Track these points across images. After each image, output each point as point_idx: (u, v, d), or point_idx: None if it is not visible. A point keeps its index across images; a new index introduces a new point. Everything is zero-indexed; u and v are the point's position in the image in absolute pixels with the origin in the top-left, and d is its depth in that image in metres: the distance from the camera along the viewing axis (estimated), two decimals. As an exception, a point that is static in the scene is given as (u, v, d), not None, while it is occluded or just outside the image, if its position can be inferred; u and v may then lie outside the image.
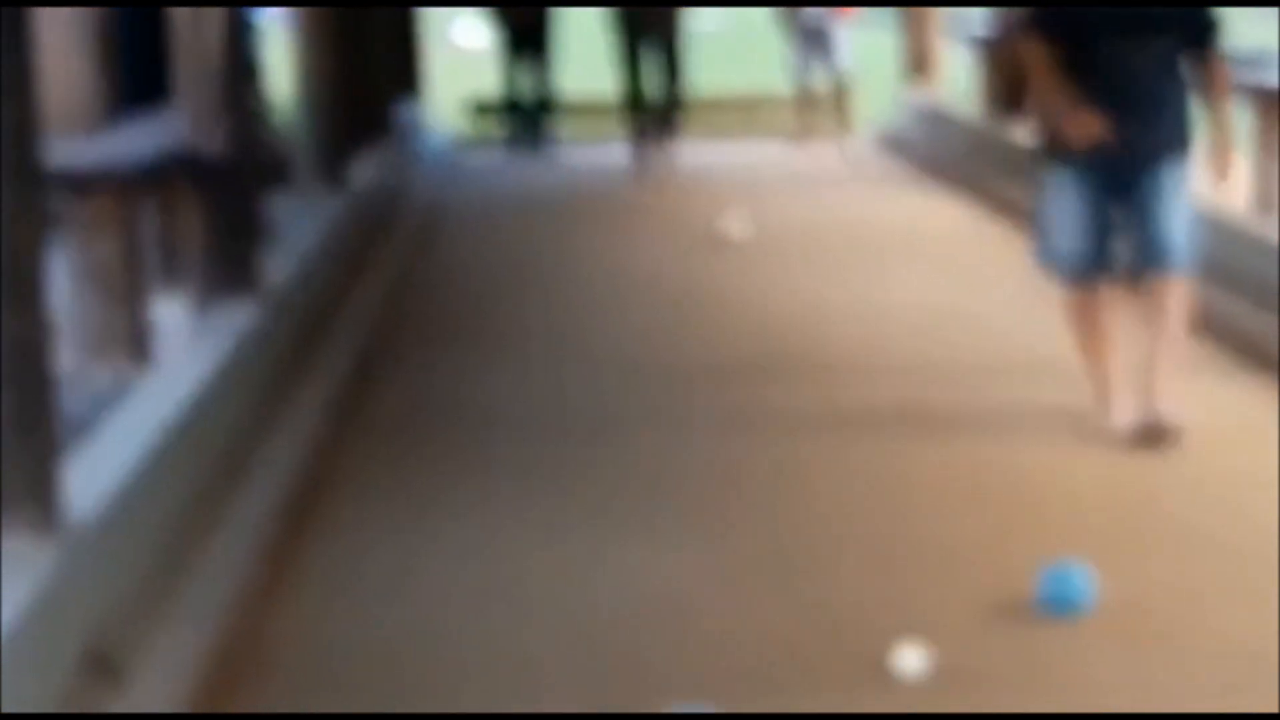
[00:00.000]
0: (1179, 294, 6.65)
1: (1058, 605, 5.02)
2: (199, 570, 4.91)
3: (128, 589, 4.32)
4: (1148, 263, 6.65)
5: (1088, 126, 6.53)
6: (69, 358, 6.93)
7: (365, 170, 10.81)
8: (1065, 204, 6.73)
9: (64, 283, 6.82)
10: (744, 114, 18.23)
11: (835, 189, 14.21)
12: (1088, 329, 6.83)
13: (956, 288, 9.96)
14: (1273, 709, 4.41)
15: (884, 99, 17.21)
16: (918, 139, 15.79)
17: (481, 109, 18.08)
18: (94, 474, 4.41)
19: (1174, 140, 6.68)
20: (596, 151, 16.65)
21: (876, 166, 15.64)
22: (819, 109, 17.05)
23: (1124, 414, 6.64)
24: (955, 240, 11.67)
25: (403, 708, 4.52)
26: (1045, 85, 6.67)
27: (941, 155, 14.76)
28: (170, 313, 7.27)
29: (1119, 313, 6.81)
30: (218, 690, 4.48)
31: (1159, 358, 6.63)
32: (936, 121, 15.53)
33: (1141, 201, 6.62)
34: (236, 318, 6.42)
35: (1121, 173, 6.63)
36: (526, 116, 17.17)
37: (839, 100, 16.90)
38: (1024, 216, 11.74)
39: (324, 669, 4.79)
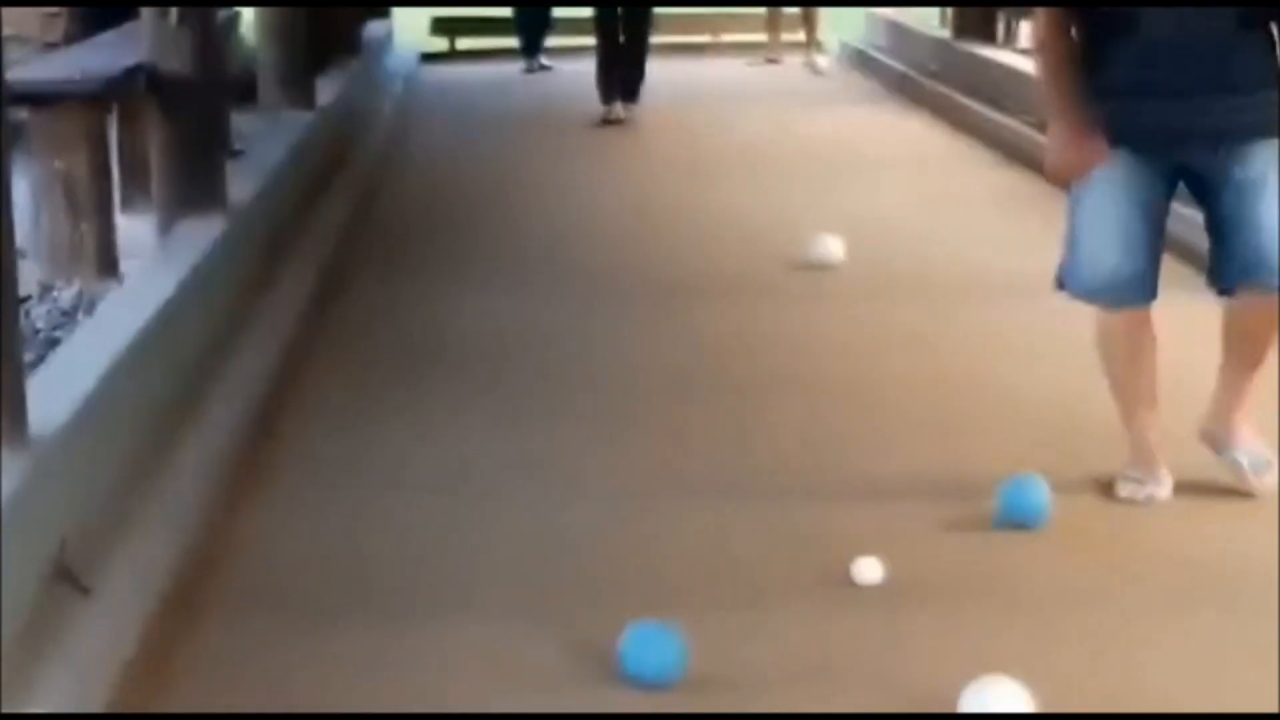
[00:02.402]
0: (1275, 315, 5.20)
1: (1014, 518, 5.09)
2: (166, 481, 4.96)
3: (95, 500, 4.36)
4: (1238, 276, 5.17)
5: (1082, 161, 5.15)
6: (35, 273, 6.98)
7: (332, 88, 10.79)
8: (1104, 205, 5.16)
9: (29, 199, 6.85)
10: (712, 30, 18.18)
11: (802, 106, 14.23)
12: (1130, 365, 5.36)
13: (922, 204, 10.01)
14: (1220, 617, 4.50)
15: (853, 17, 17.19)
16: (885, 57, 15.80)
17: (448, 27, 18.01)
18: (60, 388, 4.44)
19: (1263, 119, 5.07)
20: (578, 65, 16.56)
21: (844, 84, 15.67)
22: (787, 26, 17.05)
23: (1166, 481, 5.34)
24: (919, 156, 11.72)
25: (370, 612, 4.58)
26: (1053, 90, 5.20)
27: (908, 73, 14.78)
28: (136, 228, 7.31)
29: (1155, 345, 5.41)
30: (185, 595, 4.54)
31: (1242, 395, 5.36)
32: (904, 40, 15.53)
33: (1225, 198, 5.11)
34: (203, 234, 6.43)
35: (1191, 165, 5.15)
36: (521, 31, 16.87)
37: (807, 17, 16.89)
38: (988, 134, 11.86)
39: (291, 574, 4.84)
